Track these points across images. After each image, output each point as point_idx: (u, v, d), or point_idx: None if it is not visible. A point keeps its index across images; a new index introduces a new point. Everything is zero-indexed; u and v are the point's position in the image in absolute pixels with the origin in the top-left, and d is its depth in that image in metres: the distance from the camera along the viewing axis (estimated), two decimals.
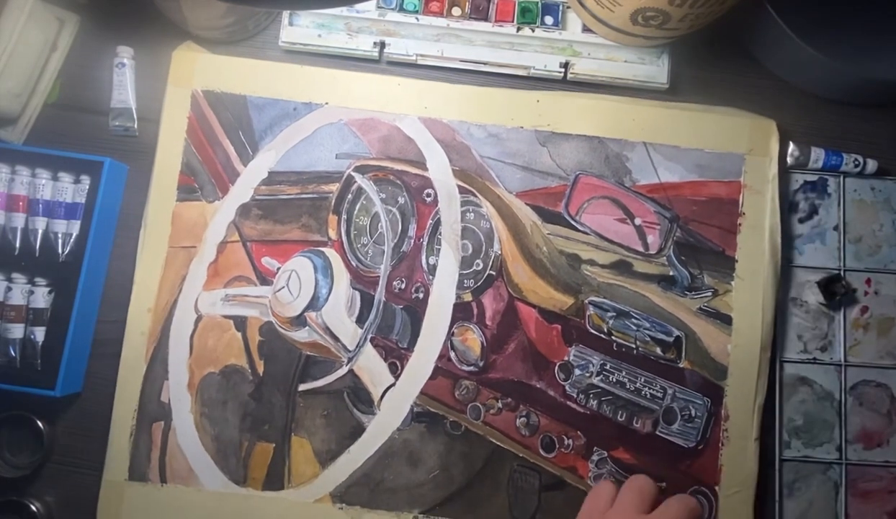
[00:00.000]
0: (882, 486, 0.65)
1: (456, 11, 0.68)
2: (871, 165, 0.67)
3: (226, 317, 0.66)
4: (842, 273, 0.66)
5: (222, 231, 0.67)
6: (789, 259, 0.67)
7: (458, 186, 0.67)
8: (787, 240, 0.67)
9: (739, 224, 0.66)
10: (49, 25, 0.67)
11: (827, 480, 0.64)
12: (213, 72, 0.69)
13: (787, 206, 0.67)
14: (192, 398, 0.65)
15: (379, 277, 0.66)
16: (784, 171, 0.67)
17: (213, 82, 0.69)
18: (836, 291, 0.65)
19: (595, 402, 0.65)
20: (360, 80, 0.69)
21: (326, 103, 0.68)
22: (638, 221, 0.67)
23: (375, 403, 0.65)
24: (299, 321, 0.65)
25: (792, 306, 0.66)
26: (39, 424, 0.64)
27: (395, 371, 0.65)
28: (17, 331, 0.63)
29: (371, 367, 0.65)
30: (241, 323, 0.66)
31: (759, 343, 0.64)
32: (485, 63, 0.69)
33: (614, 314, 0.65)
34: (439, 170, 0.68)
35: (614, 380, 0.65)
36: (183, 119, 0.68)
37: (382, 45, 0.69)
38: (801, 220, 0.67)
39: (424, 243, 0.67)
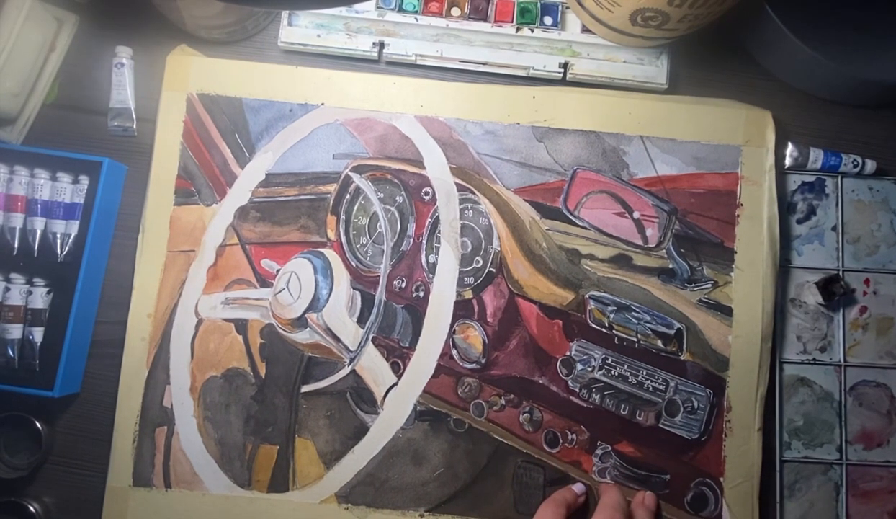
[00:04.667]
0: (882, 486, 0.65)
1: (455, 12, 0.68)
2: (870, 166, 0.67)
3: (226, 320, 0.66)
4: (840, 273, 0.67)
5: (221, 234, 0.67)
6: (788, 260, 0.67)
7: (456, 184, 0.67)
8: (786, 240, 0.67)
9: (737, 215, 0.66)
10: (47, 25, 0.67)
11: (827, 480, 0.65)
12: (208, 75, 0.68)
13: (786, 207, 0.67)
14: (195, 402, 0.65)
15: (379, 276, 0.66)
16: (781, 172, 0.67)
17: (209, 85, 0.68)
18: (834, 291, 0.65)
19: (598, 396, 0.65)
20: (355, 79, 0.68)
21: (322, 104, 0.68)
22: (636, 215, 0.67)
23: (378, 403, 0.65)
24: (300, 323, 0.65)
25: (791, 307, 0.66)
26: (38, 424, 0.64)
27: (398, 370, 0.65)
28: (15, 331, 0.63)
29: (373, 366, 0.65)
30: (241, 326, 0.66)
31: (760, 334, 0.65)
32: (484, 63, 0.68)
33: (615, 308, 0.66)
34: (437, 168, 0.68)
35: (616, 374, 0.65)
36: (179, 123, 0.68)
37: (381, 45, 0.69)
38: (800, 221, 0.67)
39: (424, 242, 0.67)
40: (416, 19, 0.67)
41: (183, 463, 0.64)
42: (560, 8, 0.68)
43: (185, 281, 0.66)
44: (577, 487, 0.63)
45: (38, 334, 0.63)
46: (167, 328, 0.66)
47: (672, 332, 0.65)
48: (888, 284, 0.67)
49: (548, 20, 0.68)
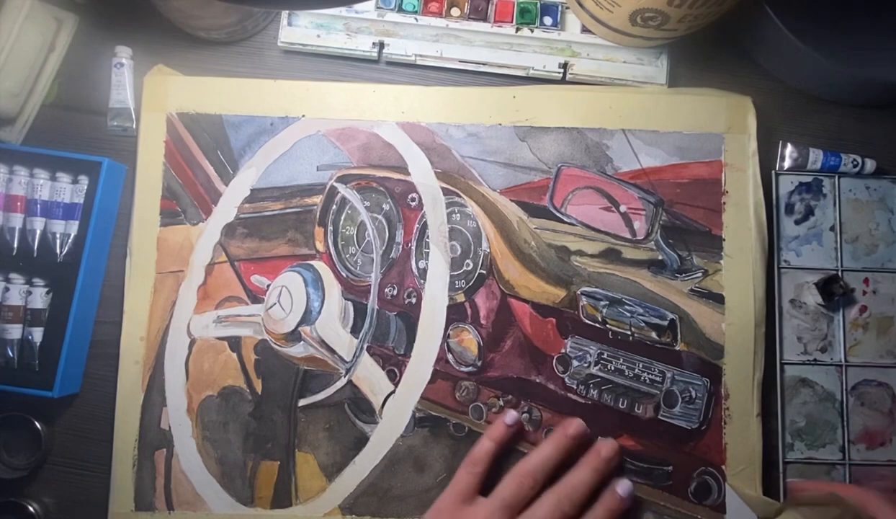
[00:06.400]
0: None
1: (455, 12, 0.68)
2: (870, 165, 0.67)
3: (219, 338, 0.66)
4: (839, 273, 0.66)
5: (209, 253, 0.67)
6: (787, 260, 0.66)
7: (442, 188, 0.67)
8: (784, 242, 0.67)
9: (724, 202, 0.66)
10: (47, 25, 0.67)
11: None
12: (187, 93, 0.68)
13: (783, 208, 0.67)
14: (193, 423, 0.65)
15: (370, 285, 0.66)
16: (777, 172, 0.67)
17: (187, 104, 0.68)
18: (834, 291, 0.64)
19: (595, 391, 0.65)
20: (334, 89, 0.68)
21: (303, 116, 0.68)
22: (623, 208, 0.67)
23: (377, 412, 0.65)
24: (294, 336, 0.65)
25: (791, 308, 0.66)
26: (37, 424, 0.64)
27: (394, 378, 0.65)
28: (14, 331, 0.63)
29: (370, 376, 0.65)
30: (235, 343, 0.66)
31: (753, 319, 0.65)
32: (484, 64, 0.68)
33: (607, 303, 0.66)
34: (421, 173, 0.67)
35: (613, 368, 0.65)
36: (160, 144, 0.68)
37: (381, 45, 0.69)
38: (798, 222, 0.67)
39: (413, 248, 0.67)
40: (416, 19, 0.67)
41: (184, 484, 0.64)
42: (560, 8, 0.68)
43: (175, 302, 0.66)
44: (509, 417, 0.62)
45: (37, 334, 0.63)
46: (160, 350, 0.65)
47: (665, 323, 0.65)
48: (887, 283, 0.66)
49: (547, 20, 0.68)
